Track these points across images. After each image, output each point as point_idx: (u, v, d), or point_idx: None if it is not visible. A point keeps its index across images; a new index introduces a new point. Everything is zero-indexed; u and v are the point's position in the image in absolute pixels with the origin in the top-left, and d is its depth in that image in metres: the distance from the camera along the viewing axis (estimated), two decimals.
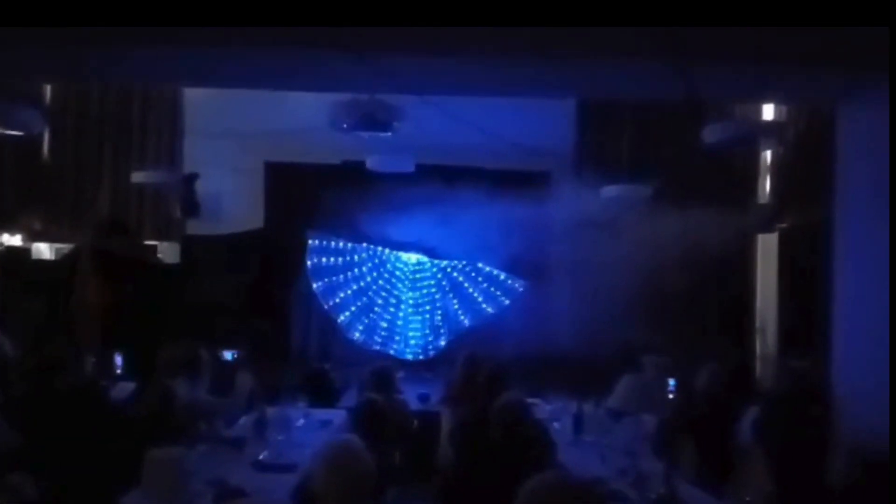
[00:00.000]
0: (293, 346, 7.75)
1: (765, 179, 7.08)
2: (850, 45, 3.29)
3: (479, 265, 8.01)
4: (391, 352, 7.88)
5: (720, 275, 6.89)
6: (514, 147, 6.85)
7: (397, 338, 8.05)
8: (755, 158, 7.07)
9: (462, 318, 8.07)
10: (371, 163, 6.90)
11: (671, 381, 4.95)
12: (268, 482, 3.34)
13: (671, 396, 4.88)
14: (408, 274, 8.09)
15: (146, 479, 2.97)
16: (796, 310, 6.02)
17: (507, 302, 8.00)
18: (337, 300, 7.95)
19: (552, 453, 3.62)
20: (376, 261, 8.07)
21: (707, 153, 5.95)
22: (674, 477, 3.29)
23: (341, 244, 7.95)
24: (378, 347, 7.90)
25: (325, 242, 7.91)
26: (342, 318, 7.94)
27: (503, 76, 4.03)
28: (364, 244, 7.96)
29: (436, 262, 8.04)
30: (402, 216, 7.04)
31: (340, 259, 7.96)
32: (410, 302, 8.08)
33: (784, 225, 6.45)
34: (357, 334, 7.95)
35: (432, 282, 8.12)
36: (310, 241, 7.84)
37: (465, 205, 6.79)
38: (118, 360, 5.47)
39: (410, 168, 6.94)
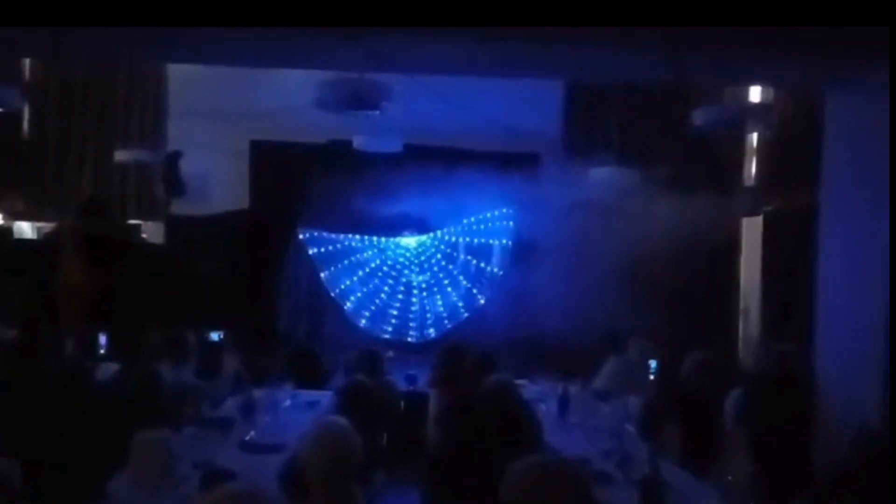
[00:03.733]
0: (280, 326, 7.73)
1: (751, 162, 7.10)
2: (840, 34, 3.27)
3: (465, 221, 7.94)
4: (409, 339, 7.77)
5: (705, 257, 6.93)
6: (503, 128, 6.82)
7: (412, 324, 7.94)
8: (743, 141, 7.08)
9: (490, 268, 7.94)
10: (358, 142, 6.85)
11: (654, 363, 5.01)
12: (255, 463, 3.34)
13: (655, 378, 4.94)
14: (412, 258, 8.00)
15: (133, 462, 2.96)
16: (780, 293, 6.07)
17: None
18: (342, 287, 7.86)
19: (539, 434, 3.64)
20: (375, 250, 7.98)
21: (695, 136, 5.95)
22: (658, 458, 3.32)
23: (332, 236, 7.88)
24: (388, 336, 7.76)
25: (315, 234, 7.82)
26: (348, 304, 7.85)
27: (493, 57, 3.99)
28: (356, 235, 7.87)
29: (431, 235, 7.94)
30: (389, 196, 7.01)
31: (339, 245, 7.89)
32: (424, 286, 7.97)
33: (769, 208, 6.49)
34: (363, 321, 7.85)
35: (439, 255, 8.00)
36: (300, 236, 7.75)
37: (452, 184, 6.77)
38: (103, 341, 5.43)
39: (398, 148, 6.89)
